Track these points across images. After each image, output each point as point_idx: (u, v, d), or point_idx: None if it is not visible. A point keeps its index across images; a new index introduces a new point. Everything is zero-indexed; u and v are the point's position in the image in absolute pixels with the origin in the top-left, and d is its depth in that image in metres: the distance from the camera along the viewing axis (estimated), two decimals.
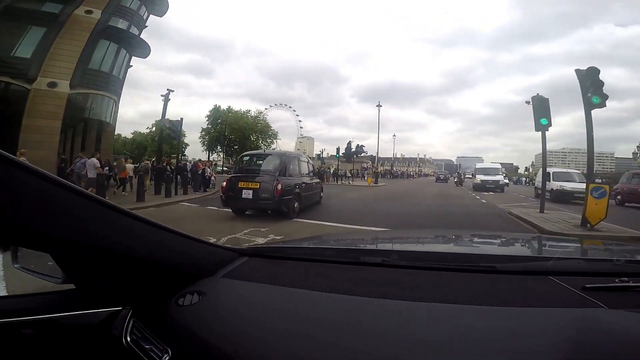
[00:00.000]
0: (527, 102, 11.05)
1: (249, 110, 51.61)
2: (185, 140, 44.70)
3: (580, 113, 7.64)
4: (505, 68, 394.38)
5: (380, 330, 0.68)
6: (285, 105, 76.14)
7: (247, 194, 7.82)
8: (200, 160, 19.38)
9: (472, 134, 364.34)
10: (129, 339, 0.77)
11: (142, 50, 21.15)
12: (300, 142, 78.40)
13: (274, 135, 51.63)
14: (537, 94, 9.75)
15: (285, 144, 69.08)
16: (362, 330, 0.68)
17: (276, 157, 8.92)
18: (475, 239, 1.70)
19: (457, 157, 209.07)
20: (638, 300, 0.76)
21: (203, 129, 50.04)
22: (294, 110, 75.54)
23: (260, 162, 8.83)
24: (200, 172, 15.77)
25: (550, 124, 9.54)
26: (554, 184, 15.48)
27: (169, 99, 14.31)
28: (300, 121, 78.32)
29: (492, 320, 0.69)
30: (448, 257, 1.15)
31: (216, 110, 50.45)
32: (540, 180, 12.38)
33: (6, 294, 0.81)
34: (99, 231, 0.66)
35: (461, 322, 0.68)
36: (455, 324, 0.68)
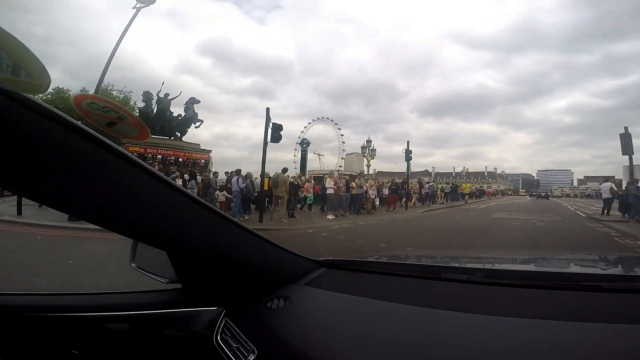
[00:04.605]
0: None
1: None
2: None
3: None
4: (586, 70, 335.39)
5: (465, 343, 0.65)
6: (327, 118, 67.07)
7: None
8: None
9: (553, 146, 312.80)
10: (219, 337, 0.83)
11: None
12: (342, 158, 68.78)
13: None
14: None
15: (328, 160, 64.92)
16: (446, 343, 0.66)
17: None
18: (573, 258, 1.59)
19: (538, 171, 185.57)
20: None
21: None
22: (335, 124, 67.20)
23: None
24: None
25: None
26: None
27: None
28: (342, 135, 67.29)
29: (596, 337, 0.63)
30: (548, 275, 1.02)
31: None
32: None
33: (125, 290, 0.94)
34: (209, 235, 0.76)
35: (559, 339, 0.63)
36: (553, 340, 0.63)
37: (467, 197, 24.57)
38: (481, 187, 51.13)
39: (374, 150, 24.96)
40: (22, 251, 5.36)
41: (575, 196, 73.20)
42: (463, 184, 26.02)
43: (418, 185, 21.10)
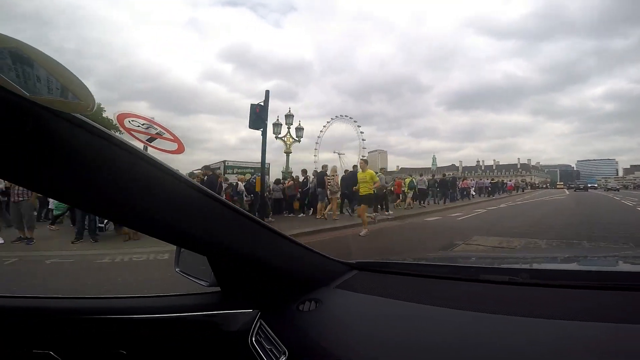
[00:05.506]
0: None
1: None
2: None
3: None
4: (623, 55, 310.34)
5: (509, 348, 0.60)
6: (346, 116, 66.49)
7: None
8: None
9: (594, 134, 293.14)
10: (254, 338, 0.85)
11: None
12: (363, 157, 52.07)
13: None
14: None
15: (350, 159, 60.73)
16: (487, 347, 0.62)
17: None
18: (630, 255, 1.48)
19: (577, 162, 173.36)
20: None
21: None
22: (355, 122, 66.00)
23: None
24: None
25: None
26: None
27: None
28: (362, 132, 65.59)
29: None
30: (602, 275, 0.91)
31: None
32: None
33: (170, 294, 0.97)
34: (246, 240, 0.78)
35: (615, 342, 0.56)
36: (608, 343, 0.57)
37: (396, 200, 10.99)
38: (492, 180, 34.52)
39: (301, 129, 15.45)
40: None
41: (627, 187, 63.70)
42: (397, 179, 11.68)
43: (339, 182, 10.87)
